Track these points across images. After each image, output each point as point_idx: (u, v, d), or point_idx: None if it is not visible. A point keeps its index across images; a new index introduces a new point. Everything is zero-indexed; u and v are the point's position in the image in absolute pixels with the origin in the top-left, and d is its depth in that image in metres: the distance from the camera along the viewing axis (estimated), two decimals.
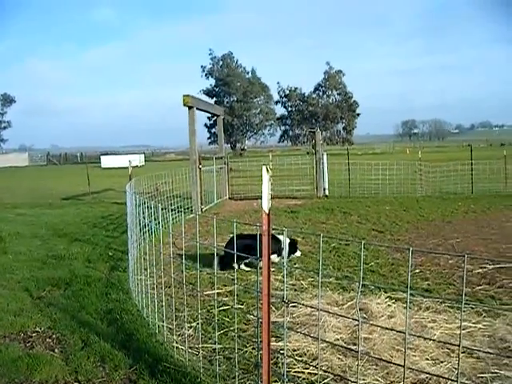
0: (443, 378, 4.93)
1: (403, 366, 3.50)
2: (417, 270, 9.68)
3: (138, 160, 74.11)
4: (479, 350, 5.74)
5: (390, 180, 24.85)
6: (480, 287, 8.53)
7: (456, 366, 5.26)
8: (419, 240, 12.96)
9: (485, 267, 9.66)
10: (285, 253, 9.86)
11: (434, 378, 5.08)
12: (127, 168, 22.45)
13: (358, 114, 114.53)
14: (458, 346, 3.17)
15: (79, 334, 6.77)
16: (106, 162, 77.99)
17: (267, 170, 3.74)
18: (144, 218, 7.86)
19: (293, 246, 10.37)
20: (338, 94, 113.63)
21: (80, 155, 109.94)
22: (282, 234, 10.11)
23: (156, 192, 16.26)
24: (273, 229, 4.06)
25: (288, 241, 10.19)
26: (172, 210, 12.39)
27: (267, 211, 3.84)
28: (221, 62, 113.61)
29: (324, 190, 23.79)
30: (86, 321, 7.30)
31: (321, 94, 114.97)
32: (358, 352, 3.68)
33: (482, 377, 5.25)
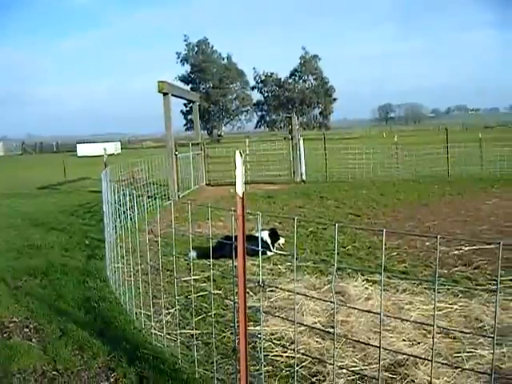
0: (419, 358, 4.98)
1: (379, 347, 3.53)
2: (394, 253, 9.75)
3: (114, 148, 73.50)
4: (455, 330, 5.81)
5: (367, 164, 24.97)
6: (456, 269, 8.62)
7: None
8: (396, 223, 13.05)
9: (461, 249, 9.75)
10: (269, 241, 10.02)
11: (411, 358, 5.13)
12: (103, 156, 22.32)
13: (335, 99, 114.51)
14: (433, 326, 3.20)
15: (57, 323, 6.74)
16: (82, 150, 77.27)
17: (240, 155, 3.74)
18: (120, 205, 7.82)
19: (274, 235, 10.41)
20: (314, 79, 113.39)
21: (56, 144, 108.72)
22: (263, 230, 10.20)
23: (132, 179, 16.19)
24: (248, 213, 4.06)
25: (267, 232, 10.27)
26: (149, 197, 12.37)
27: (241, 195, 3.84)
28: (196, 49, 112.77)
29: (301, 174, 23.82)
30: (63, 310, 7.27)
31: (297, 79, 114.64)
32: (334, 334, 3.70)
33: (458, 356, 5.31)
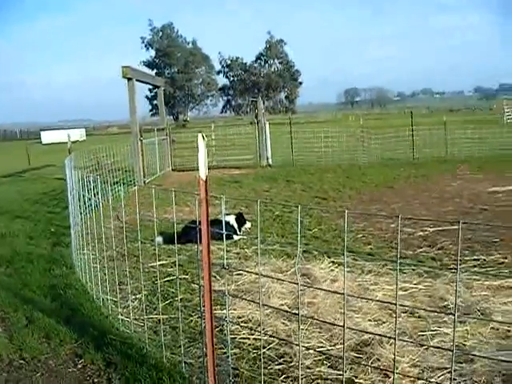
0: (384, 336, 5.06)
1: (343, 327, 3.58)
2: (359, 235, 9.85)
3: (79, 135, 72.79)
4: (420, 309, 5.91)
5: (333, 148, 25.08)
6: (421, 249, 8.74)
7: (398, 326, 5.41)
8: (362, 205, 13.18)
9: (426, 230, 9.88)
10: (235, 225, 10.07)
11: (377, 337, 5.20)
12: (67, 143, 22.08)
13: (301, 83, 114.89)
14: (395, 304, 3.25)
15: (23, 312, 6.69)
16: (47, 137, 76.31)
17: (203, 138, 3.74)
18: (85, 192, 7.76)
19: (241, 219, 10.44)
20: (279, 63, 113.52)
21: (19, 131, 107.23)
22: (229, 214, 10.25)
23: (97, 166, 16.05)
24: (212, 196, 4.07)
25: (234, 217, 10.31)
26: (114, 184, 12.29)
27: (204, 179, 3.84)
28: (161, 33, 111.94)
29: (267, 159, 23.87)
30: (29, 298, 7.21)
31: (263, 63, 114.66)
32: (298, 315, 3.74)
33: (422, 335, 5.40)
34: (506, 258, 7.95)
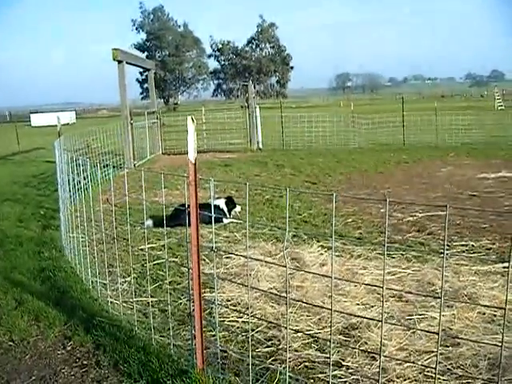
0: (371, 319, 5.10)
1: (330, 310, 3.61)
2: (349, 220, 9.88)
3: (69, 117, 72.19)
4: (409, 293, 5.95)
5: (323, 132, 25.10)
6: (410, 234, 8.78)
7: (385, 310, 5.45)
8: (352, 190, 13.21)
9: (415, 215, 9.93)
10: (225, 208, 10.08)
11: (365, 321, 5.24)
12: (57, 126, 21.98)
13: (292, 67, 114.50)
14: (382, 287, 3.28)
15: (12, 294, 6.67)
16: (37, 120, 75.90)
17: (192, 120, 3.74)
18: (75, 175, 7.75)
19: (231, 203, 10.45)
20: (271, 47, 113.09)
21: (9, 114, 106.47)
22: (219, 198, 10.27)
23: (87, 149, 16.00)
24: (200, 179, 4.07)
25: (223, 200, 10.32)
26: (104, 167, 12.26)
27: (193, 161, 3.84)
28: (152, 16, 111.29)
29: (257, 143, 23.88)
30: (18, 280, 7.20)
31: (254, 47, 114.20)
32: (287, 298, 3.76)
33: (410, 319, 5.44)
34: (493, 244, 8.00)
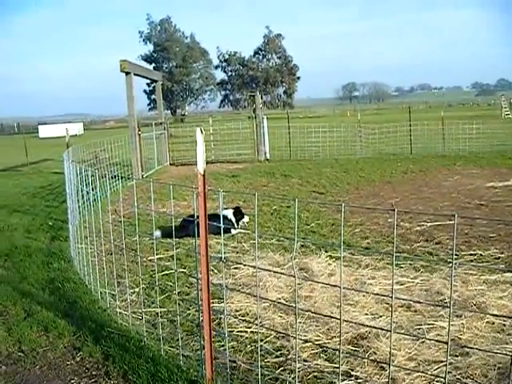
0: (380, 329, 5.09)
1: (339, 320, 3.61)
2: (357, 230, 9.88)
3: (76, 129, 72.57)
4: (419, 302, 5.93)
5: (331, 142, 25.09)
6: (418, 244, 8.77)
7: (394, 320, 5.44)
8: (360, 200, 13.21)
9: (423, 225, 9.92)
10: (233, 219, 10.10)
11: (374, 331, 5.24)
12: (65, 137, 22.09)
13: (299, 78, 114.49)
14: (391, 297, 3.28)
15: (21, 305, 6.70)
16: (44, 131, 76.25)
17: (201, 132, 3.76)
18: (83, 186, 7.78)
19: (239, 213, 10.46)
20: (277, 57, 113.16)
21: (17, 125, 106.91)
22: (227, 209, 10.29)
23: (95, 160, 16.07)
24: (209, 190, 4.09)
25: (232, 211, 10.33)
26: (112, 178, 12.30)
27: (202, 172, 3.86)
28: (159, 27, 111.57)
29: (265, 153, 23.88)
30: (27, 291, 7.23)
31: (261, 57, 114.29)
32: (295, 308, 3.77)
33: (419, 328, 5.43)
34: (502, 253, 7.99)
